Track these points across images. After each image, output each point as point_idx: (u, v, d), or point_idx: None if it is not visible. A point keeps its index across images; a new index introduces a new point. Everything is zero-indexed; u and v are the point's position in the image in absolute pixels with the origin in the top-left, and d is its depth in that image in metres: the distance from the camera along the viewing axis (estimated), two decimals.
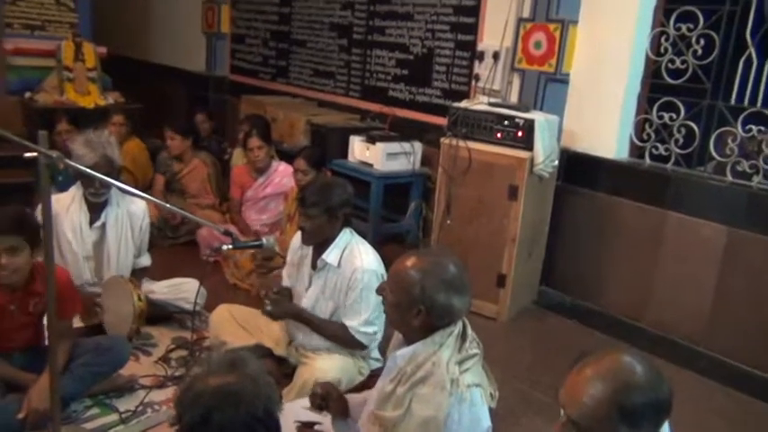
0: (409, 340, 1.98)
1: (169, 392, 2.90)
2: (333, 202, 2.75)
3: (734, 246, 3.49)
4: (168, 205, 2.74)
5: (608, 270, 4.01)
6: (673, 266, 3.73)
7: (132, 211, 3.38)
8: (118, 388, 2.83)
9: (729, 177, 3.57)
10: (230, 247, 2.61)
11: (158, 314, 3.44)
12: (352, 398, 2.29)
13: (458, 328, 1.96)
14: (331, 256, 2.78)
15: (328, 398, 2.21)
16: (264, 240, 2.75)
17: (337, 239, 2.80)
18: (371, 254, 2.82)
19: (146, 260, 3.53)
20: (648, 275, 3.83)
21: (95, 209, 3.27)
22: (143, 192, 4.76)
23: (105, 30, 6.91)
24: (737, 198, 3.49)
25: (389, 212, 5.05)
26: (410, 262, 1.94)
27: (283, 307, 2.81)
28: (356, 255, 2.77)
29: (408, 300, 1.90)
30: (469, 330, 1.99)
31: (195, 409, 1.34)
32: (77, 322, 3.21)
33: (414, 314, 1.90)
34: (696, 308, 3.65)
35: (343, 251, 2.79)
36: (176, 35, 7.68)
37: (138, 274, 3.48)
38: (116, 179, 3.06)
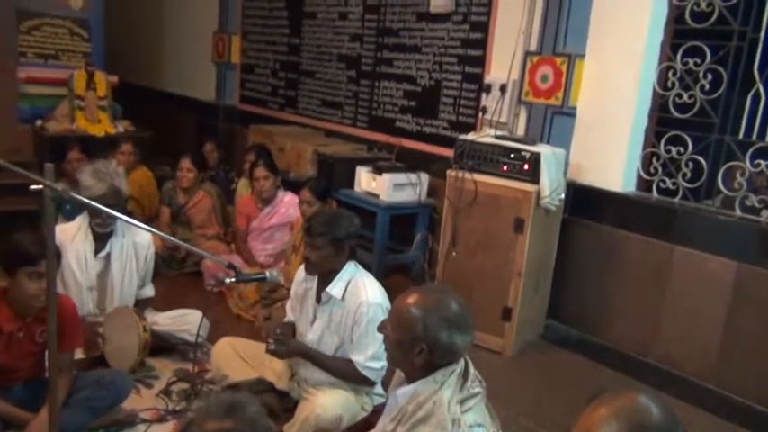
0: (410, 378, 1.95)
1: (169, 427, 2.87)
2: (339, 234, 2.74)
3: (743, 281, 3.44)
4: (173, 238, 2.71)
5: (615, 304, 3.96)
6: (680, 301, 3.69)
7: (137, 241, 3.38)
8: (118, 422, 2.80)
9: (738, 212, 3.54)
10: (233, 280, 2.59)
11: (161, 346, 3.41)
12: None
13: (460, 366, 1.93)
14: (335, 289, 2.76)
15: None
16: (268, 274, 2.73)
17: (341, 272, 2.78)
18: (376, 287, 2.79)
19: (149, 291, 3.52)
20: (656, 310, 3.78)
21: (101, 239, 3.27)
22: (150, 222, 4.91)
23: (117, 58, 7.02)
24: (746, 233, 3.46)
25: (395, 243, 5.03)
26: (412, 299, 1.92)
27: (288, 346, 2.78)
28: (361, 288, 2.75)
29: (410, 338, 1.87)
30: (471, 369, 1.96)
31: None
32: (79, 354, 3.19)
33: (416, 353, 1.87)
34: (705, 344, 3.59)
35: (348, 284, 2.77)
36: (187, 64, 7.79)
37: (141, 305, 3.47)
38: (123, 210, 3.09)
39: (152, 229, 2.56)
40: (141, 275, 3.44)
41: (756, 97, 3.47)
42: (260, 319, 3.88)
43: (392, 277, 4.89)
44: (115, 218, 3.08)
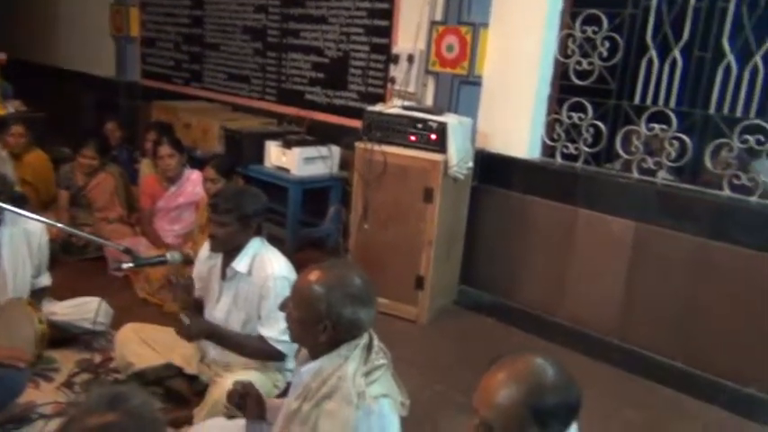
0: (314, 355, 1.92)
1: None
2: (247, 210, 2.68)
3: (642, 240, 3.60)
4: (64, 226, 2.56)
5: (524, 268, 4.07)
6: (585, 262, 3.82)
7: (29, 229, 3.16)
8: (14, 418, 2.65)
9: (635, 174, 3.69)
10: (131, 265, 2.50)
11: (61, 336, 3.24)
12: (270, 401, 2.22)
13: (364, 339, 1.91)
14: (241, 264, 2.70)
15: (246, 397, 2.14)
16: (168, 256, 2.65)
17: (246, 247, 2.72)
18: (282, 261, 2.75)
19: (45, 280, 3.32)
20: (562, 271, 3.91)
21: None
22: (48, 206, 4.64)
23: (5, 33, 6.55)
24: (644, 194, 3.61)
25: (309, 217, 4.98)
26: (313, 276, 1.88)
27: (199, 327, 2.69)
28: (267, 262, 2.70)
29: (313, 316, 1.84)
30: (376, 341, 1.95)
31: None
32: None
33: (320, 330, 1.84)
34: (608, 301, 3.75)
35: (253, 259, 2.71)
36: (83, 38, 7.36)
37: (37, 295, 3.27)
38: (9, 197, 2.89)
39: (41, 218, 2.41)
40: (35, 264, 3.24)
41: (650, 63, 3.59)
42: (168, 303, 3.75)
43: (307, 251, 4.85)
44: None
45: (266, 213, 2.87)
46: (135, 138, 5.98)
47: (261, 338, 2.66)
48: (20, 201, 4.14)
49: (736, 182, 3.36)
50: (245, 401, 2.13)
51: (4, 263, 3.10)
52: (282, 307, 1.98)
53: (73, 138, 4.99)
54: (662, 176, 3.64)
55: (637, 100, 3.66)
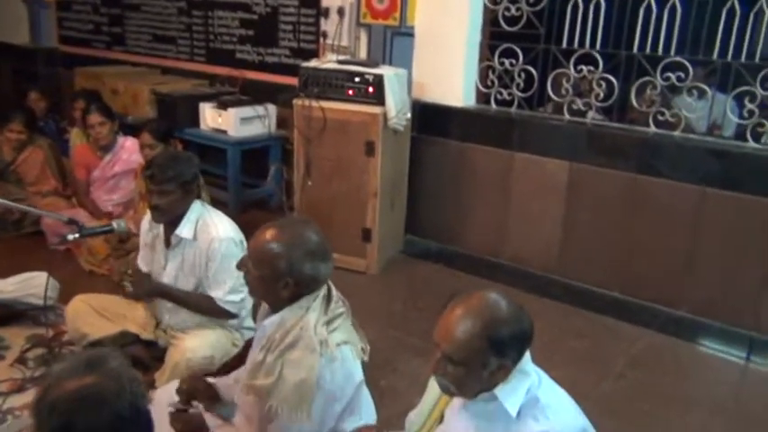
0: (276, 309, 1.97)
1: (30, 395, 2.71)
2: (187, 176, 2.66)
3: (575, 179, 3.76)
4: (5, 201, 2.49)
5: (466, 213, 4.19)
6: (524, 204, 3.97)
7: None
8: None
9: (567, 116, 3.82)
10: (77, 236, 2.47)
11: (7, 314, 3.18)
12: (221, 381, 2.27)
13: (323, 291, 1.98)
14: (185, 230, 2.69)
15: (195, 392, 2.19)
16: (114, 224, 2.64)
17: (189, 213, 2.70)
18: (226, 222, 2.76)
19: None
20: (503, 214, 4.05)
21: None
22: None
23: None
24: (575, 135, 3.76)
25: (250, 178, 4.95)
26: (270, 235, 1.91)
27: (144, 285, 2.69)
28: (210, 225, 2.69)
29: (274, 274, 1.88)
30: (334, 291, 2.02)
31: (54, 418, 1.23)
32: None
33: (281, 286, 1.89)
34: (547, 240, 3.92)
35: (197, 223, 2.70)
36: None
37: None
38: None
39: None
40: None
41: (575, 7, 3.69)
42: (116, 272, 3.70)
43: (251, 212, 4.84)
44: None
45: (214, 178, 2.85)
46: (60, 107, 5.75)
47: (209, 298, 2.69)
48: None
49: (660, 118, 3.54)
50: (194, 396, 2.17)
51: None
52: (240, 266, 2.01)
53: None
54: (591, 117, 3.79)
55: (564, 44, 3.77)
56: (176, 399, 2.25)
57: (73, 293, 3.11)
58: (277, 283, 1.89)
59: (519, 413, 1.54)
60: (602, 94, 3.68)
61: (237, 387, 2.07)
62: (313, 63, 4.00)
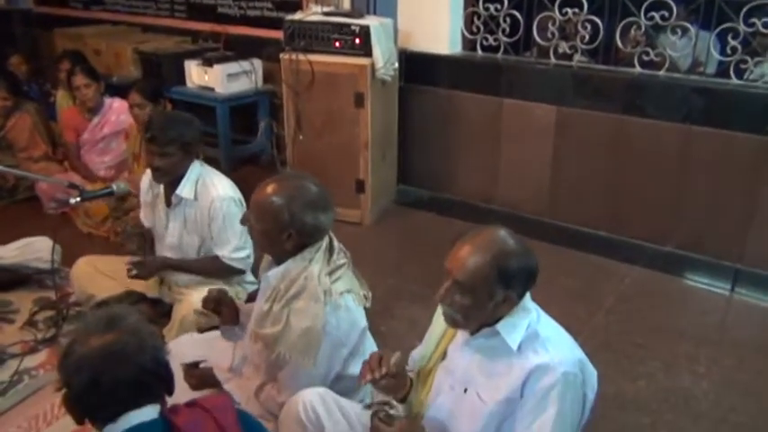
0: (279, 261, 2.04)
1: (43, 356, 2.81)
2: (188, 138, 2.69)
3: (563, 122, 3.81)
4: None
5: (457, 161, 4.25)
6: (513, 149, 4.03)
7: None
8: None
9: (553, 60, 3.85)
10: (78, 200, 2.51)
11: (13, 279, 3.24)
12: (243, 306, 2.36)
13: (325, 242, 2.05)
14: (185, 190, 2.73)
15: (221, 302, 2.26)
16: (114, 186, 2.67)
17: (189, 173, 2.74)
18: (225, 182, 2.80)
19: None
20: (493, 161, 4.11)
21: None
22: None
23: None
24: (562, 78, 3.79)
25: (239, 135, 4.96)
26: (271, 189, 1.97)
27: (149, 266, 2.75)
28: (210, 185, 2.74)
29: (277, 227, 1.95)
30: (336, 242, 2.09)
31: (81, 375, 1.30)
32: None
33: (284, 239, 1.96)
34: (538, 183, 4.00)
35: (197, 183, 2.75)
36: None
37: None
38: None
39: None
40: None
41: None
42: (120, 234, 3.74)
43: (242, 169, 4.87)
44: None
45: (203, 136, 2.87)
46: (42, 70, 5.68)
47: (216, 258, 2.75)
48: None
49: (645, 58, 3.57)
50: (219, 307, 2.25)
51: None
52: (243, 221, 2.07)
53: None
54: (577, 60, 3.82)
55: None
56: (186, 357, 2.33)
57: (73, 256, 3.17)
58: (280, 236, 1.95)
59: (520, 347, 1.63)
60: (587, 37, 3.70)
61: (251, 318, 2.15)
62: (298, 16, 3.98)
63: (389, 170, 4.29)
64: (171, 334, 2.71)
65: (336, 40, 3.79)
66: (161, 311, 2.92)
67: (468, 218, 4.14)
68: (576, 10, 3.71)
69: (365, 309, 2.14)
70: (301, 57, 3.84)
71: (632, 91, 3.58)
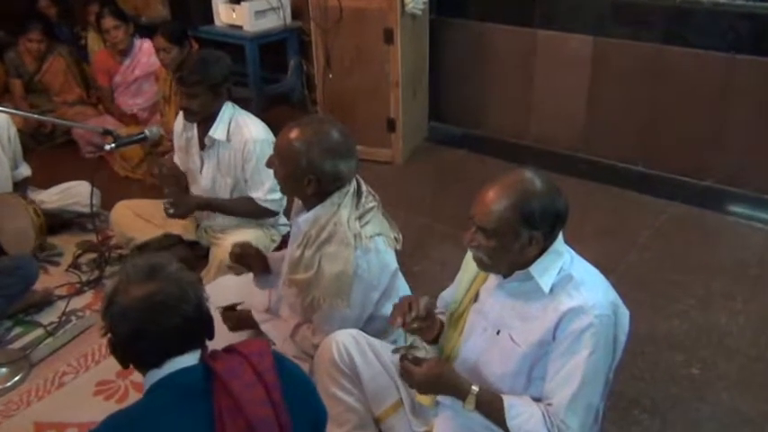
0: (308, 206, 2.06)
1: (89, 297, 2.92)
2: (216, 78, 2.68)
3: (600, 54, 3.69)
4: (34, 114, 2.56)
5: (490, 96, 4.17)
6: (547, 83, 3.93)
7: None
8: (36, 304, 2.82)
9: None
10: (113, 146, 2.54)
11: (55, 223, 3.34)
12: (271, 255, 2.39)
13: (352, 186, 2.05)
14: (218, 131, 2.75)
15: (247, 255, 2.29)
16: (147, 132, 2.69)
17: (221, 114, 2.75)
18: (258, 123, 2.80)
19: (25, 170, 3.34)
20: (527, 95, 4.03)
21: None
22: (1, 97, 4.50)
23: None
24: (599, 7, 3.65)
25: (270, 73, 4.92)
26: (293, 134, 1.97)
27: (185, 204, 2.78)
28: (243, 127, 2.75)
29: (297, 171, 1.95)
30: (364, 186, 2.09)
31: (125, 325, 1.33)
32: None
33: (305, 184, 1.96)
34: (572, 118, 3.91)
35: (230, 125, 2.76)
36: None
37: (20, 187, 3.32)
38: None
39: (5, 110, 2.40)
40: (10, 157, 3.25)
41: None
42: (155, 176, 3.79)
43: (274, 109, 4.85)
44: None
45: (233, 76, 2.86)
46: (72, 11, 5.66)
47: (250, 199, 2.78)
48: None
49: None
50: (247, 260, 2.29)
51: None
52: (269, 164, 2.08)
53: (5, 20, 4.73)
54: None
55: None
56: (222, 300, 2.40)
57: (111, 199, 3.25)
58: (301, 181, 1.96)
59: (552, 290, 1.63)
60: None
61: (284, 263, 2.20)
62: None
63: (420, 108, 4.23)
64: (209, 276, 2.77)
65: None
66: (199, 254, 2.99)
67: (500, 155, 4.10)
68: None
69: (396, 251, 2.15)
70: None
71: (673, 18, 3.44)
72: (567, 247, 1.72)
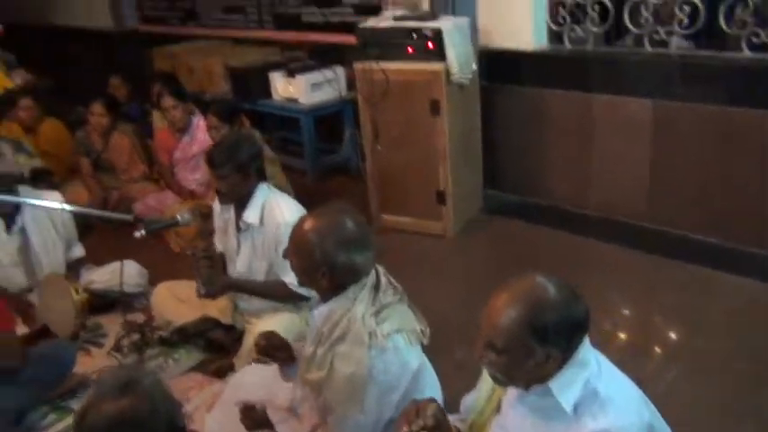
0: (324, 298, 1.96)
1: None
2: (242, 159, 2.67)
3: (662, 117, 3.46)
4: (78, 208, 2.62)
5: (547, 162, 3.99)
6: (607, 148, 3.72)
7: (50, 208, 3.24)
8: (72, 390, 2.82)
9: (648, 48, 3.49)
10: (143, 233, 2.55)
11: (104, 302, 3.38)
12: (296, 345, 2.29)
13: (371, 279, 1.93)
14: (251, 215, 2.72)
15: (271, 348, 2.20)
16: (179, 217, 2.70)
17: (254, 197, 2.73)
18: (292, 206, 2.76)
19: (78, 251, 3.43)
20: (586, 161, 3.82)
21: (8, 216, 3.14)
22: (72, 173, 4.72)
23: None
24: (659, 67, 3.44)
25: (327, 143, 4.95)
26: (307, 225, 1.90)
27: (217, 285, 2.75)
28: (276, 210, 2.71)
29: (311, 264, 1.87)
30: (383, 279, 1.96)
31: None
32: (23, 328, 3.17)
33: (319, 276, 1.87)
34: (635, 184, 3.66)
35: (263, 208, 2.72)
36: None
37: (74, 267, 3.40)
38: (14, 180, 2.96)
39: (53, 204, 2.45)
40: (64, 239, 3.34)
41: None
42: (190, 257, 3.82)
43: (332, 179, 4.86)
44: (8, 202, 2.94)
45: (263, 156, 2.84)
46: (145, 89, 5.94)
47: (282, 284, 2.71)
48: (41, 175, 4.29)
49: (755, 40, 3.15)
50: (272, 351, 2.20)
51: (34, 245, 3.21)
52: (285, 255, 2.01)
53: (81, 99, 4.99)
54: (676, 45, 3.44)
55: None
56: (249, 389, 2.32)
57: (164, 275, 3.27)
58: (315, 273, 1.87)
59: (576, 409, 1.44)
60: (686, 20, 3.32)
61: (300, 360, 2.08)
62: (369, 23, 3.86)
63: (473, 176, 4.08)
64: (240, 362, 2.71)
65: (409, 45, 3.63)
66: (234, 338, 2.93)
67: (558, 225, 3.89)
68: None
69: (423, 346, 2.00)
70: (374, 65, 3.72)
71: (741, 78, 3.19)
72: (595, 353, 1.53)
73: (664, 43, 3.45)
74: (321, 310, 1.95)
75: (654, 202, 3.61)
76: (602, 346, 2.53)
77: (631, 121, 3.55)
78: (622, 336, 2.88)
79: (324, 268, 1.85)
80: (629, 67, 3.54)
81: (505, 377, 1.50)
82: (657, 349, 2.71)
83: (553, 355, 1.44)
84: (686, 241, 3.48)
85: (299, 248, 1.90)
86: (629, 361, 2.53)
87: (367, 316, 1.88)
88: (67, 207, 2.71)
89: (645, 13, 3.45)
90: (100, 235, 4.23)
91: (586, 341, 1.51)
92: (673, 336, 2.80)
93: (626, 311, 3.06)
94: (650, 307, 3.05)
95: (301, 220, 1.93)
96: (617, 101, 3.58)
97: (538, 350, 1.42)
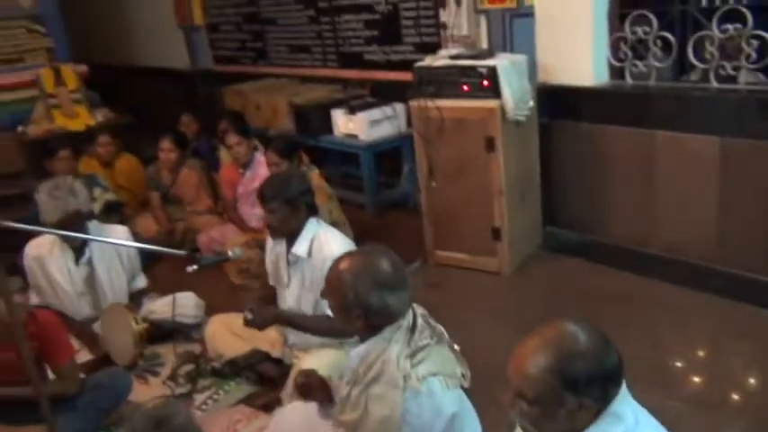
0: (361, 338, 1.95)
1: None
2: (290, 194, 2.73)
3: (730, 154, 3.30)
4: (137, 243, 2.74)
5: (609, 200, 3.86)
6: (672, 187, 3.57)
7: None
8: (126, 418, 2.90)
9: (714, 84, 3.36)
10: (195, 267, 2.62)
11: (163, 332, 3.47)
12: (335, 385, 2.28)
13: (407, 320, 1.91)
14: (300, 248, 2.76)
15: (309, 387, 2.21)
16: (230, 253, 2.76)
17: (304, 231, 2.77)
18: (340, 240, 2.78)
19: (141, 282, 3.57)
20: (650, 200, 3.68)
21: (77, 248, 3.31)
22: (144, 208, 4.93)
23: (80, 43, 6.90)
24: (724, 104, 3.30)
25: (387, 178, 4.99)
26: (343, 265, 1.91)
27: (264, 316, 2.79)
28: (324, 243, 2.74)
29: (345, 304, 1.87)
30: (420, 320, 1.94)
31: None
32: (87, 355, 3.31)
33: (354, 317, 1.87)
34: (702, 224, 3.49)
35: (312, 242, 2.76)
36: (154, 33, 7.63)
37: (136, 297, 3.53)
38: (87, 220, 3.13)
39: (115, 241, 2.56)
40: (128, 270, 3.49)
41: None
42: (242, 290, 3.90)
43: (390, 214, 4.88)
44: (76, 238, 3.09)
45: (312, 191, 2.88)
46: (216, 126, 6.18)
47: (328, 318, 2.72)
48: (115, 208, 4.51)
49: None
50: (310, 391, 2.20)
51: (100, 276, 3.37)
52: (322, 295, 2.01)
53: (159, 135, 5.21)
54: (744, 81, 3.29)
55: (704, 2, 3.31)
56: (289, 426, 2.32)
57: (221, 307, 3.34)
58: (350, 314, 1.87)
59: None
60: (754, 55, 3.18)
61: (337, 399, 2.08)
62: (426, 62, 3.89)
63: (531, 213, 4.01)
64: (286, 397, 2.72)
65: (464, 83, 3.64)
66: (283, 372, 2.95)
67: (621, 265, 3.76)
68: (739, 26, 3.21)
69: (464, 389, 1.96)
70: (429, 103, 3.74)
71: None
72: (634, 407, 1.46)
73: (731, 78, 3.31)
74: (358, 350, 1.94)
75: (723, 244, 3.43)
76: (665, 393, 2.43)
77: (698, 159, 3.41)
78: (686, 385, 2.73)
79: (358, 310, 1.85)
80: (695, 102, 3.40)
81: (537, 428, 1.45)
82: (723, 401, 2.55)
83: (586, 405, 1.38)
84: (758, 284, 3.28)
85: (334, 288, 1.91)
86: (693, 413, 2.40)
87: (402, 358, 1.86)
88: (127, 243, 2.81)
89: (710, 48, 3.33)
90: (166, 266, 4.39)
91: (624, 393, 1.44)
92: (740, 387, 2.62)
93: (691, 358, 2.91)
94: (717, 354, 2.89)
95: (337, 261, 1.94)
96: (682, 138, 3.44)
97: (570, 399, 1.37)
